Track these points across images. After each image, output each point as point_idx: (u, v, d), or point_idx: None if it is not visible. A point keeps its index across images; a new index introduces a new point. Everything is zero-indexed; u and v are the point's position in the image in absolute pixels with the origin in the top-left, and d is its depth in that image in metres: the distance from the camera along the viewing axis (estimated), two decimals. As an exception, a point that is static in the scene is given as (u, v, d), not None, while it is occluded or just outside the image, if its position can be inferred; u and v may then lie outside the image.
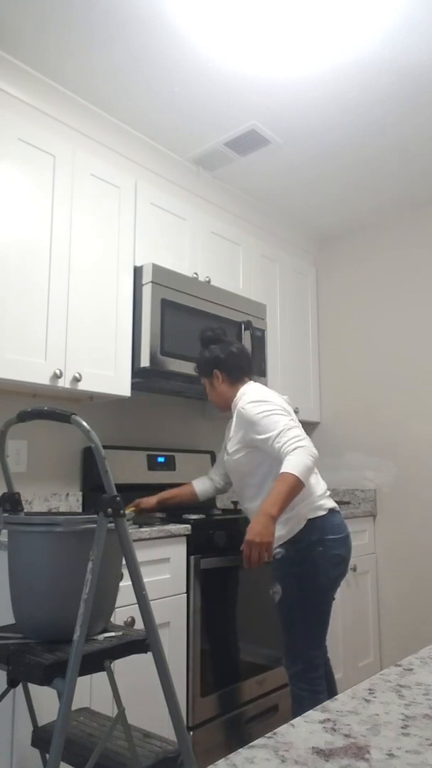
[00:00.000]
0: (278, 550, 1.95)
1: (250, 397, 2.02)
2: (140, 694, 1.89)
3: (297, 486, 1.79)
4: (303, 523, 1.92)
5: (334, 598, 1.98)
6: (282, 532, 1.93)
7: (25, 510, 1.85)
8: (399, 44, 2.17)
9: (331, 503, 2.02)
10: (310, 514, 1.93)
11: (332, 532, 1.95)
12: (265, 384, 2.89)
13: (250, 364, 2.20)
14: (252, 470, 2.02)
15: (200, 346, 2.23)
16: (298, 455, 1.81)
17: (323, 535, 1.93)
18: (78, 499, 2.49)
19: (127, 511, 2.21)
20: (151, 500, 2.29)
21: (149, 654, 1.35)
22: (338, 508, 2.05)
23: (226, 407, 2.16)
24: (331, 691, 2.06)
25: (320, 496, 1.99)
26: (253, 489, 2.03)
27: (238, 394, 2.10)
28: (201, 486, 2.36)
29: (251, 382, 2.15)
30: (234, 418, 2.07)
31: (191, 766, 1.34)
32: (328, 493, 2.06)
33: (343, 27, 2.08)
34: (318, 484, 2.02)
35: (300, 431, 1.89)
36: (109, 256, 2.35)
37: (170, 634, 2.03)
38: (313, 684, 1.91)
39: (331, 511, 1.99)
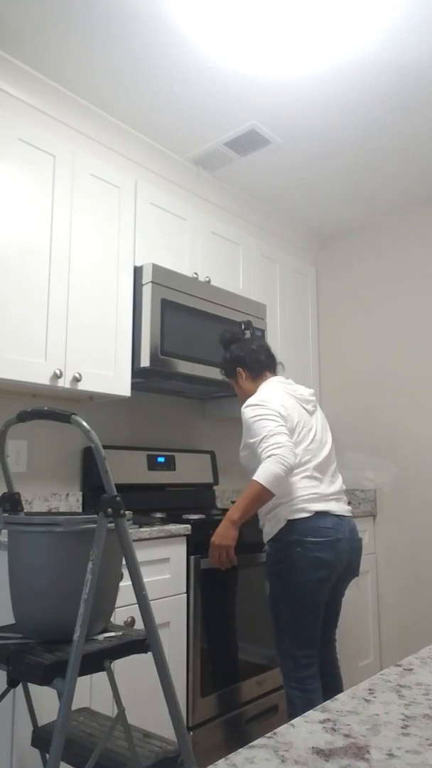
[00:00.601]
0: (266, 547, 2.04)
1: (251, 400, 2.07)
2: (140, 694, 1.89)
3: (261, 493, 1.86)
4: (283, 523, 1.96)
5: (323, 600, 1.96)
6: (267, 529, 2.03)
7: (25, 510, 1.85)
8: (399, 44, 2.17)
9: (320, 506, 1.97)
10: (290, 516, 1.96)
11: (314, 534, 1.94)
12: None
13: (270, 358, 2.25)
14: (254, 470, 2.02)
15: (222, 350, 2.31)
16: (267, 464, 1.87)
17: (302, 537, 1.94)
18: (78, 499, 2.49)
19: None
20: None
21: (149, 654, 1.35)
22: (334, 512, 1.99)
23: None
24: (336, 691, 2.06)
25: (306, 499, 1.96)
26: None
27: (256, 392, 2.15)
28: None
29: (272, 377, 2.20)
30: None
31: (191, 766, 1.34)
32: (331, 496, 2.02)
33: (343, 27, 2.08)
34: (309, 486, 1.99)
35: (283, 438, 1.90)
36: (109, 256, 2.35)
37: (170, 634, 2.03)
38: (303, 683, 1.91)
39: (319, 513, 1.96)
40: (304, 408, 2.12)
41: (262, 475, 1.86)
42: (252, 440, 1.97)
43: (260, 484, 1.85)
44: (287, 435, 1.93)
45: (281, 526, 1.96)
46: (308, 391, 2.21)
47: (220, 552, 1.95)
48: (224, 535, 1.94)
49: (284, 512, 1.97)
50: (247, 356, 2.22)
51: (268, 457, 1.87)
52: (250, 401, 2.06)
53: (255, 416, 1.99)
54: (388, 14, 2.03)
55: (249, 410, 2.03)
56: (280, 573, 1.96)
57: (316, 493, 2.00)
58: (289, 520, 1.96)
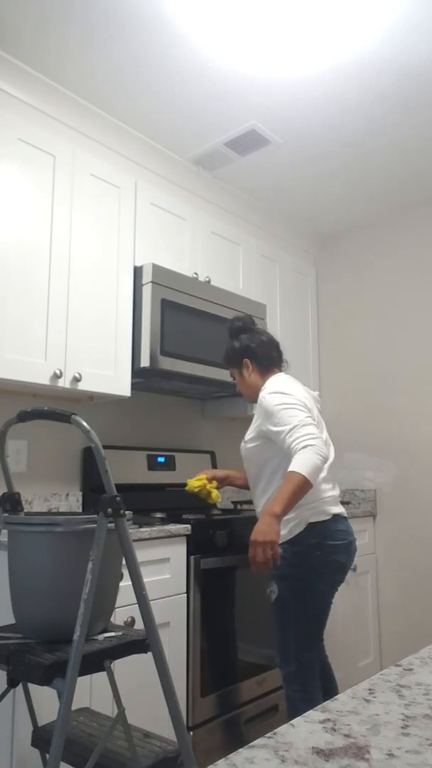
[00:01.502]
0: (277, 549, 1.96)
1: (273, 387, 1.99)
2: (140, 694, 1.89)
3: (304, 485, 1.75)
4: (303, 525, 1.90)
5: (332, 602, 1.97)
6: (283, 531, 1.89)
7: (25, 510, 1.85)
8: (399, 44, 2.17)
9: (337, 509, 1.98)
10: (312, 518, 1.91)
11: (333, 537, 1.92)
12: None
13: (279, 354, 2.18)
14: (264, 462, 1.99)
15: (229, 336, 2.19)
16: (306, 454, 1.77)
17: (323, 540, 1.90)
18: (78, 499, 2.49)
19: (199, 482, 2.21)
20: (219, 473, 2.31)
21: (149, 654, 1.35)
22: (345, 514, 2.01)
23: (256, 398, 2.10)
24: (332, 691, 2.06)
25: (326, 501, 1.95)
26: (263, 482, 2.02)
27: (265, 384, 2.07)
28: None
29: (281, 373, 2.13)
30: (256, 407, 2.04)
31: (191, 766, 1.34)
32: (339, 498, 2.03)
33: (343, 27, 2.08)
34: (327, 488, 1.98)
35: (315, 429, 1.84)
36: (109, 256, 2.35)
37: (170, 634, 2.03)
38: (306, 684, 1.90)
39: (336, 516, 1.96)
40: (317, 407, 2.12)
41: (303, 466, 1.75)
42: (277, 428, 1.87)
43: (302, 475, 1.74)
44: (317, 428, 1.87)
45: (301, 529, 1.90)
46: (316, 393, 2.20)
47: (265, 549, 1.74)
48: (267, 531, 1.74)
49: (305, 514, 1.90)
50: (258, 348, 2.11)
51: (305, 447, 1.77)
52: (273, 388, 1.97)
53: (282, 404, 1.89)
54: (388, 14, 2.03)
55: (274, 397, 1.93)
56: (294, 576, 1.90)
57: (332, 495, 1.99)
58: (309, 523, 1.90)
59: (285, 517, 1.84)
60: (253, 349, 2.12)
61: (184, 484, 2.82)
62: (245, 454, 2.07)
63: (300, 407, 1.89)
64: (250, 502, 2.82)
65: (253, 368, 2.12)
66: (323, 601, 1.93)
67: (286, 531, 1.91)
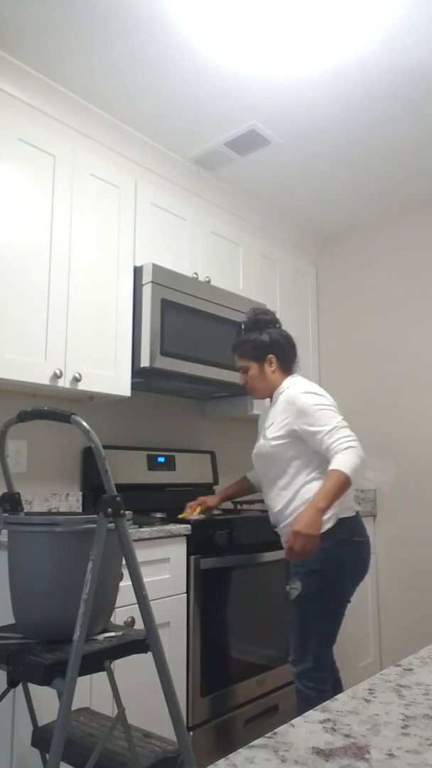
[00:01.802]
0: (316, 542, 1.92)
1: (305, 387, 1.99)
2: (140, 694, 1.89)
3: (346, 483, 1.80)
4: (334, 521, 1.90)
5: (350, 600, 1.98)
6: None
7: (25, 510, 1.85)
8: (399, 44, 2.17)
9: (357, 506, 2.02)
10: (342, 513, 1.92)
11: (359, 534, 1.95)
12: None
13: (296, 355, 2.16)
14: (288, 459, 1.98)
15: (249, 327, 2.13)
16: (349, 454, 1.82)
17: (351, 536, 1.92)
18: (78, 499, 2.49)
19: (194, 513, 2.26)
20: (214, 499, 2.35)
21: (149, 654, 1.35)
22: (360, 512, 2.05)
23: (268, 395, 2.10)
24: (339, 690, 2.06)
25: (351, 497, 1.99)
26: (284, 479, 2.00)
27: (285, 383, 2.05)
28: (254, 477, 2.36)
29: (296, 375, 2.11)
30: (277, 405, 2.03)
31: (191, 766, 1.34)
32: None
33: (343, 27, 2.08)
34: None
35: (351, 432, 1.88)
36: (109, 256, 2.35)
37: (170, 634, 2.03)
38: (320, 682, 1.90)
39: (357, 513, 2.00)
40: None
41: (346, 465, 1.80)
42: (314, 428, 1.89)
43: (346, 474, 1.79)
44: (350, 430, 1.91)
45: (332, 524, 1.89)
46: None
47: (306, 541, 1.77)
48: (311, 524, 1.77)
49: (336, 509, 1.90)
50: (286, 345, 2.08)
51: (347, 448, 1.82)
52: (306, 388, 1.98)
53: (319, 405, 1.91)
54: (388, 14, 2.03)
55: (310, 397, 1.94)
56: (321, 573, 1.89)
57: (354, 492, 2.05)
58: (340, 518, 1.91)
59: None
60: (282, 345, 2.08)
61: (185, 484, 2.84)
62: (267, 451, 2.02)
63: (335, 409, 1.94)
64: (250, 502, 2.83)
65: (276, 367, 2.08)
66: (346, 599, 1.94)
67: None
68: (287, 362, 2.10)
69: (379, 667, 3.16)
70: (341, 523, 1.92)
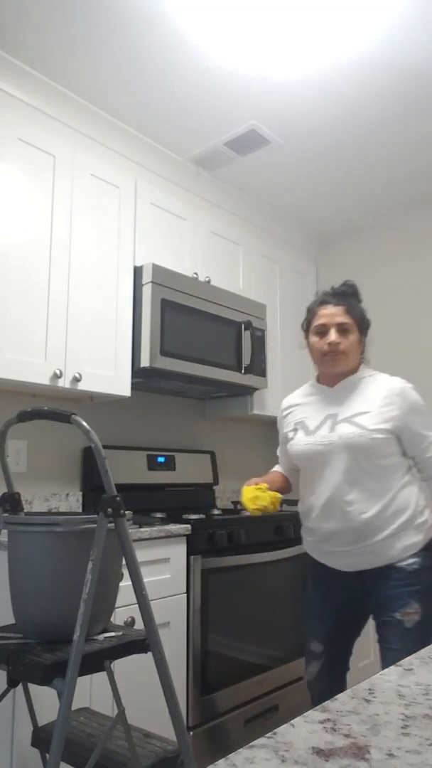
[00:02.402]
0: (413, 560, 1.62)
1: (406, 383, 1.78)
2: (140, 694, 1.89)
3: None
4: None
5: None
6: (416, 538, 1.62)
7: (25, 510, 1.85)
8: (399, 44, 2.17)
9: None
10: None
11: None
12: (265, 385, 2.91)
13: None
14: (382, 457, 1.65)
15: (352, 294, 1.88)
16: None
17: None
18: (78, 499, 2.49)
19: (259, 501, 1.64)
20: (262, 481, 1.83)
21: (149, 654, 1.35)
22: None
23: (346, 371, 1.81)
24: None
25: None
26: (374, 481, 1.63)
27: (367, 370, 1.85)
28: (290, 474, 1.93)
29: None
30: (369, 392, 1.74)
31: (191, 766, 1.34)
32: None
33: (343, 27, 2.08)
34: None
35: None
36: (109, 256, 2.35)
37: (170, 634, 2.03)
38: None
39: None
40: None
41: None
42: (424, 432, 1.68)
43: None
44: None
45: None
46: None
47: None
48: None
49: None
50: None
51: None
52: (407, 384, 1.77)
53: (426, 407, 1.74)
54: (388, 14, 2.03)
55: (416, 394, 1.76)
56: None
57: None
58: None
59: (419, 520, 1.64)
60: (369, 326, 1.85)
61: (184, 484, 2.83)
62: (363, 443, 1.62)
63: None
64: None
65: (362, 345, 1.85)
66: None
67: (421, 537, 1.64)
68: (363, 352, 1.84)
69: (379, 667, 3.16)
70: None
